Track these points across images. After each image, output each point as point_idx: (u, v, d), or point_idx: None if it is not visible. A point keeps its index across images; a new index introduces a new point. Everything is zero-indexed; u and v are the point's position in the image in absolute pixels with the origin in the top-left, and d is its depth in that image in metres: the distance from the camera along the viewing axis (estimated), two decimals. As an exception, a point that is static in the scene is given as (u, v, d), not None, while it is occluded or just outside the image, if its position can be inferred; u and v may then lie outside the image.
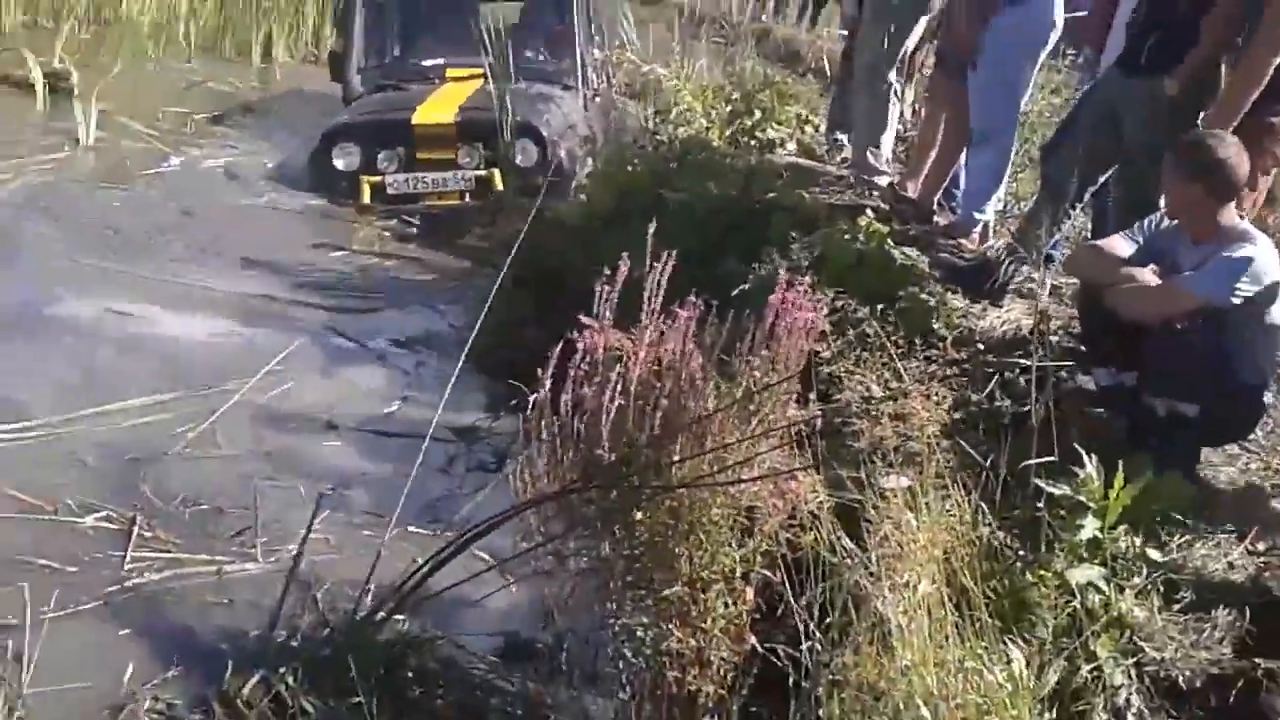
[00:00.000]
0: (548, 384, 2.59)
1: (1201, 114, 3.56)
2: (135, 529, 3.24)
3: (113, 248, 5.77)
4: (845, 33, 7.28)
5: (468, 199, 7.16)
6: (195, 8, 11.04)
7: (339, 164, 7.26)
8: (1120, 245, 3.24)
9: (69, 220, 6.07)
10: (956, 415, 2.91)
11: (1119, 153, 3.84)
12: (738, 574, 2.60)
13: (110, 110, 7.92)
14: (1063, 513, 2.54)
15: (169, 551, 3.16)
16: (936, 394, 2.83)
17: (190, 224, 6.32)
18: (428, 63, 8.23)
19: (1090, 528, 2.44)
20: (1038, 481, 2.58)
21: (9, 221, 5.89)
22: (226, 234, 6.21)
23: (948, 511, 2.49)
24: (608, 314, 2.65)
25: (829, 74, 8.86)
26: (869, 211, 4.37)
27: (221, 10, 11.30)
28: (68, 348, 4.49)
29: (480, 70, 7.43)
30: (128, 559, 3.10)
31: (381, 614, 2.62)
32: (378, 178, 7.18)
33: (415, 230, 6.91)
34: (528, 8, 8.79)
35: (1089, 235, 4.32)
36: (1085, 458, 2.57)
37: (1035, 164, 5.76)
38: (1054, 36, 4.46)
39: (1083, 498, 2.49)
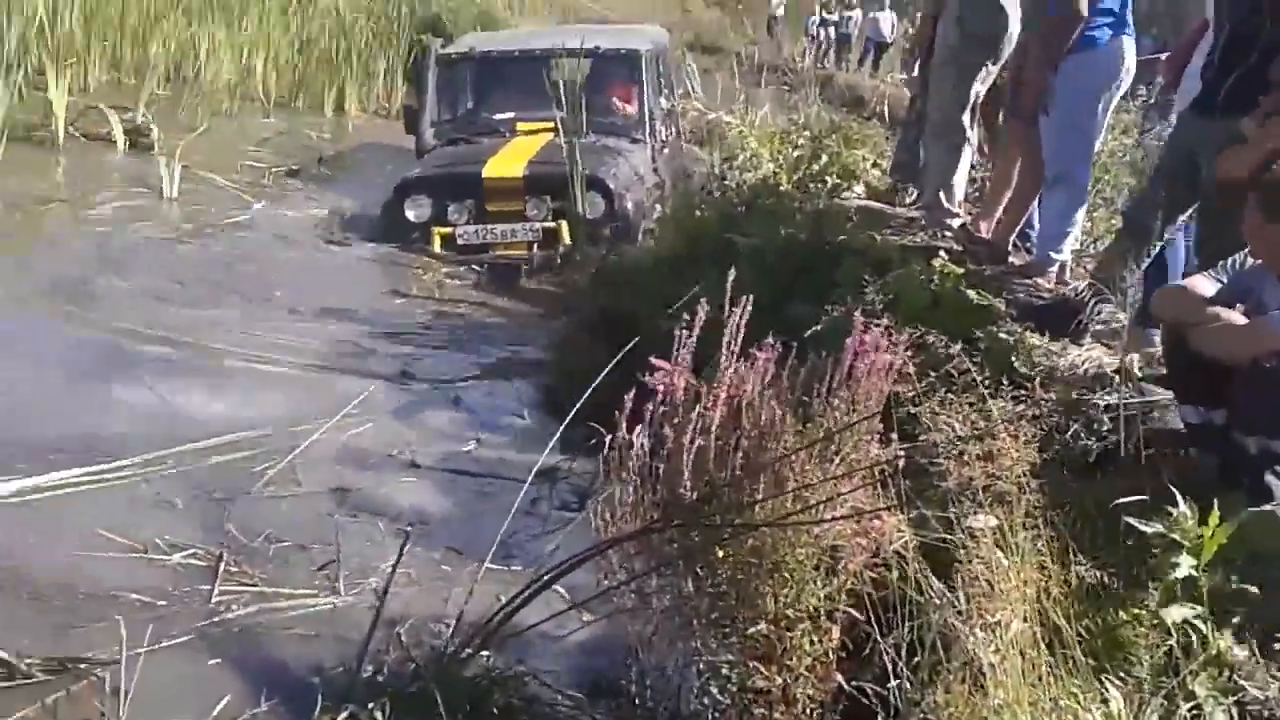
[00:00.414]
0: (625, 425, 2.61)
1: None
2: (222, 565, 3.31)
3: (193, 295, 5.93)
4: (905, 76, 7.33)
5: (536, 250, 7.26)
6: (274, 63, 11.39)
7: (411, 215, 7.43)
8: (1203, 285, 3.20)
9: (152, 269, 6.27)
10: (1044, 455, 2.87)
11: (1198, 194, 3.81)
12: (823, 613, 2.59)
13: (191, 164, 8.18)
14: (1155, 551, 2.49)
15: (255, 586, 3.21)
16: (1025, 433, 2.80)
17: (268, 272, 6.49)
18: (499, 117, 8.42)
19: (1185, 566, 2.39)
20: (1129, 520, 2.54)
21: (95, 270, 6.09)
22: (302, 282, 6.37)
23: (1038, 551, 2.46)
24: (686, 357, 2.67)
25: (887, 117, 8.90)
26: (942, 253, 4.35)
27: (296, 66, 11.65)
28: (149, 392, 4.60)
29: (550, 124, 7.57)
30: (215, 593, 3.16)
31: (468, 650, 2.63)
32: (448, 229, 7.34)
33: (485, 278, 7.02)
34: (596, 63, 8.95)
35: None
36: (1178, 496, 2.53)
37: (1108, 204, 5.77)
38: (1127, 79, 4.45)
39: (1176, 536, 2.44)
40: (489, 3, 15.82)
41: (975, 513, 2.58)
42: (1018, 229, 4.83)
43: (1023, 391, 3.36)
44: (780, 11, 24.30)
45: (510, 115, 8.36)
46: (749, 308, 2.72)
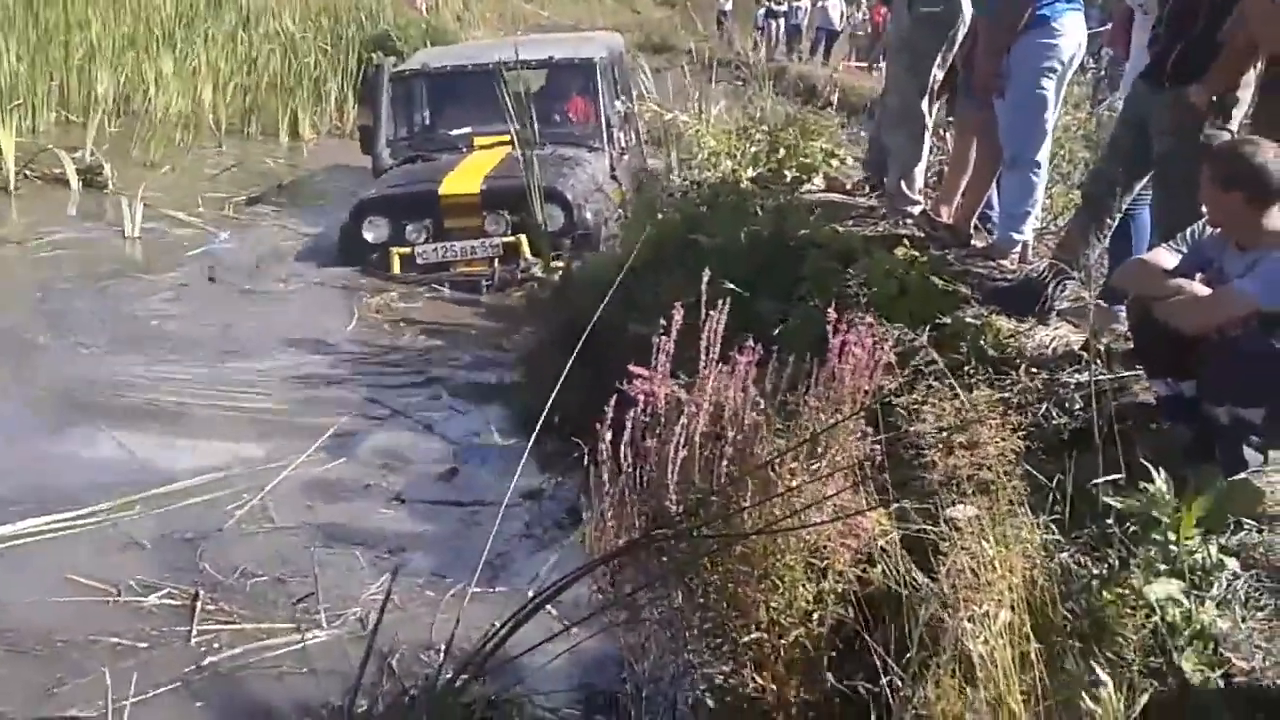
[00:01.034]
0: (607, 437, 2.58)
1: (1230, 122, 3.56)
2: (198, 603, 3.27)
3: (157, 335, 5.87)
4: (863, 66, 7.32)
5: (496, 265, 7.21)
6: (223, 91, 11.28)
7: (369, 237, 7.36)
8: (1165, 257, 3.21)
9: (116, 310, 6.20)
10: (1024, 441, 2.86)
11: (1151, 165, 3.84)
12: (814, 616, 2.58)
13: (150, 201, 8.09)
14: (1134, 528, 2.50)
15: (234, 623, 3.18)
16: (1010, 420, 2.79)
17: (229, 307, 6.43)
18: (456, 132, 8.33)
19: (1165, 540, 2.40)
20: (1107, 499, 2.54)
21: (55, 313, 6.01)
22: (263, 315, 6.32)
23: (1021, 537, 2.45)
24: (665, 364, 2.65)
25: (834, 103, 8.90)
26: (905, 241, 4.36)
27: (246, 93, 11.54)
28: (117, 437, 4.55)
29: (508, 137, 7.51)
30: (194, 633, 3.13)
31: (463, 678, 2.60)
32: (407, 249, 7.26)
33: (447, 298, 6.96)
34: (551, 73, 8.89)
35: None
36: (1152, 470, 2.53)
37: (1065, 179, 5.79)
38: (1079, 55, 4.46)
39: (1154, 511, 2.45)
40: (437, 17, 15.75)
41: (955, 503, 2.57)
42: (978, 211, 4.84)
43: (1006, 378, 3.36)
44: (729, 6, 24.33)
45: (467, 130, 8.28)
46: (721, 310, 2.71)
